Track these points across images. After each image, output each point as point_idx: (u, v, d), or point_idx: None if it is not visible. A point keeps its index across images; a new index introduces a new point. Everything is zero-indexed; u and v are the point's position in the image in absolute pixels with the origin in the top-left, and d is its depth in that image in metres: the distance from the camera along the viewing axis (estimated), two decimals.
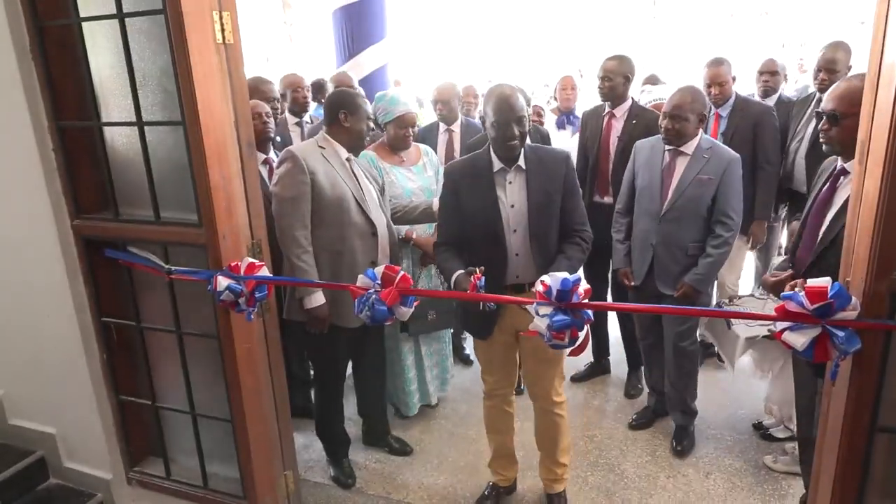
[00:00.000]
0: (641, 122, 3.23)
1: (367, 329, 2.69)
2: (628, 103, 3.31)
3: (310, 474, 2.93)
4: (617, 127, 3.32)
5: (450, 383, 3.48)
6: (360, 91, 3.53)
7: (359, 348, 2.87)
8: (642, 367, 3.56)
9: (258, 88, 3.38)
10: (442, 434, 3.23)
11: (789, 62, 5.94)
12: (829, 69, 3.22)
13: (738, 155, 2.74)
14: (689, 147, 2.74)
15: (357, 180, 2.60)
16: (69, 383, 2.44)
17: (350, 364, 2.94)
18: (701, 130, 2.77)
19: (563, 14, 7.68)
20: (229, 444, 2.27)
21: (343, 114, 2.55)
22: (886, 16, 1.32)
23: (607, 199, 3.36)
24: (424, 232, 3.11)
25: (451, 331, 3.42)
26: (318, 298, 2.51)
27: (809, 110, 3.44)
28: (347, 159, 2.61)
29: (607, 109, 3.35)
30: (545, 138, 3.84)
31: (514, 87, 2.27)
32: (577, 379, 3.68)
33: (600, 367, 3.76)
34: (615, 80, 3.24)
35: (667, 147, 2.79)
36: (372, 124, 3.21)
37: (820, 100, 3.34)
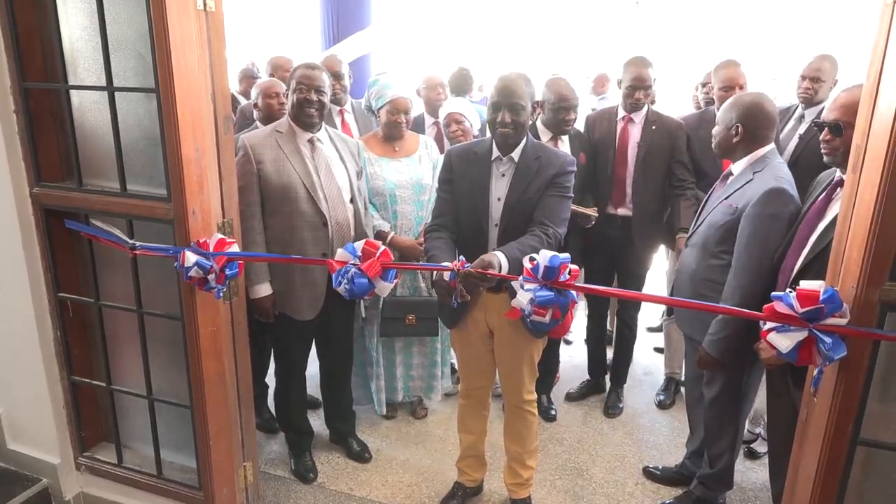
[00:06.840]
0: (661, 127, 3.03)
1: (329, 320, 2.61)
2: (646, 108, 3.09)
3: (270, 467, 2.84)
4: (635, 133, 3.08)
5: (437, 392, 3.24)
6: (344, 72, 3.35)
7: (322, 339, 2.78)
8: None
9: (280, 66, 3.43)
10: (409, 431, 3.16)
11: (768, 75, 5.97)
12: (814, 78, 3.10)
13: (780, 186, 2.03)
14: (740, 165, 2.23)
15: (315, 166, 2.47)
16: (19, 360, 2.31)
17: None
18: (772, 145, 2.22)
19: (543, 4, 7.64)
20: (187, 432, 2.17)
21: (284, 93, 2.50)
22: (891, 20, 1.30)
23: (622, 211, 3.13)
24: (410, 231, 2.92)
25: (439, 338, 3.16)
26: (262, 290, 2.46)
27: (790, 125, 3.39)
28: (310, 140, 2.48)
29: (622, 113, 3.12)
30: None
31: (522, 76, 2.17)
32: (572, 398, 3.47)
33: (598, 385, 3.56)
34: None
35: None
36: (365, 110, 3.18)
37: (803, 115, 3.32)
